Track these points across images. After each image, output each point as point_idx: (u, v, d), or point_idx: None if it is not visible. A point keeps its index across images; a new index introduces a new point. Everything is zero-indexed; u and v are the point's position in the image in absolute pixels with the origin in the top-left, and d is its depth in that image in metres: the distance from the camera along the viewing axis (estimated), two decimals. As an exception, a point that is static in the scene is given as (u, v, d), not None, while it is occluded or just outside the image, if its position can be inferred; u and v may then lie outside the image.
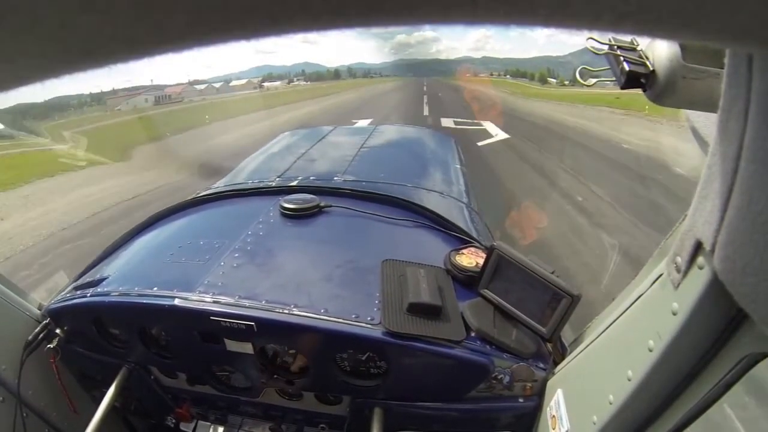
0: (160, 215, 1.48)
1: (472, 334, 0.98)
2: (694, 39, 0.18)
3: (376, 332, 0.95)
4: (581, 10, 0.15)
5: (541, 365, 0.97)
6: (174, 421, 1.28)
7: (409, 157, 2.41)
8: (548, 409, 0.92)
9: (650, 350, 0.60)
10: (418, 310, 0.98)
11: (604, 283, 3.27)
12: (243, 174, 2.10)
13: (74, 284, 1.20)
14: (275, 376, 1.06)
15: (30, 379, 1.12)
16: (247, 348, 1.03)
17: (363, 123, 9.30)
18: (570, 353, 0.92)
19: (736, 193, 0.38)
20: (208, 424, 1.27)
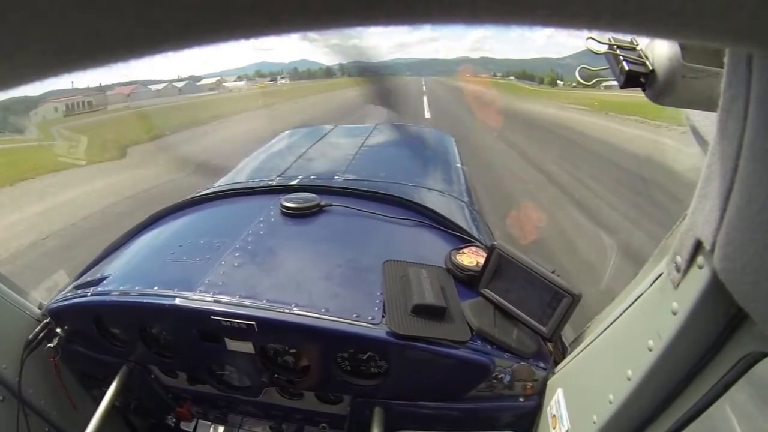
0: (161, 214, 1.48)
1: (473, 334, 0.98)
2: (694, 39, 0.18)
3: (377, 332, 0.95)
4: (581, 10, 0.15)
5: (542, 365, 0.97)
6: (174, 420, 1.28)
7: (409, 156, 2.41)
8: (548, 408, 0.92)
9: (650, 350, 0.60)
10: (423, 311, 0.98)
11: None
12: (243, 173, 2.10)
13: (75, 283, 1.21)
14: (276, 375, 1.06)
15: (30, 378, 1.13)
16: (248, 347, 1.03)
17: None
18: (570, 353, 0.92)
19: (736, 192, 0.38)
20: (209, 423, 1.27)
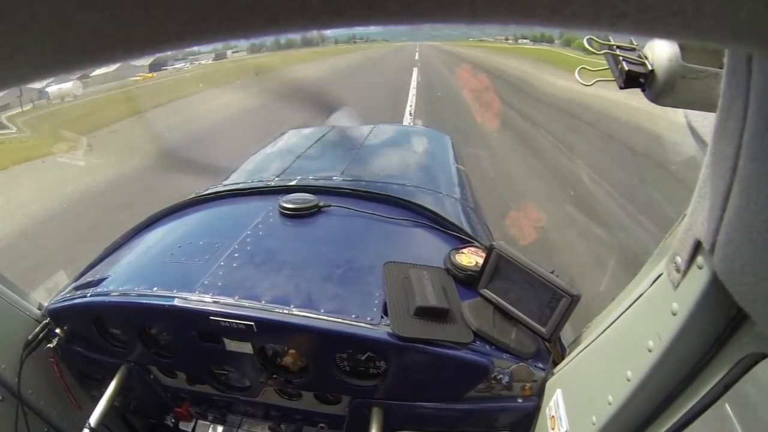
0: (160, 215, 1.48)
1: (473, 335, 0.98)
2: (694, 39, 0.18)
3: (376, 333, 0.95)
4: (581, 10, 0.15)
5: (541, 365, 0.97)
6: (173, 420, 1.28)
7: (407, 156, 2.41)
8: (547, 409, 0.92)
9: (650, 350, 0.60)
10: (426, 313, 0.97)
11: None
12: (242, 174, 2.10)
13: (74, 284, 1.21)
14: (274, 375, 1.06)
15: (30, 378, 1.12)
16: (247, 348, 1.03)
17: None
18: (569, 353, 0.92)
19: (735, 192, 0.38)
20: (208, 423, 1.27)
